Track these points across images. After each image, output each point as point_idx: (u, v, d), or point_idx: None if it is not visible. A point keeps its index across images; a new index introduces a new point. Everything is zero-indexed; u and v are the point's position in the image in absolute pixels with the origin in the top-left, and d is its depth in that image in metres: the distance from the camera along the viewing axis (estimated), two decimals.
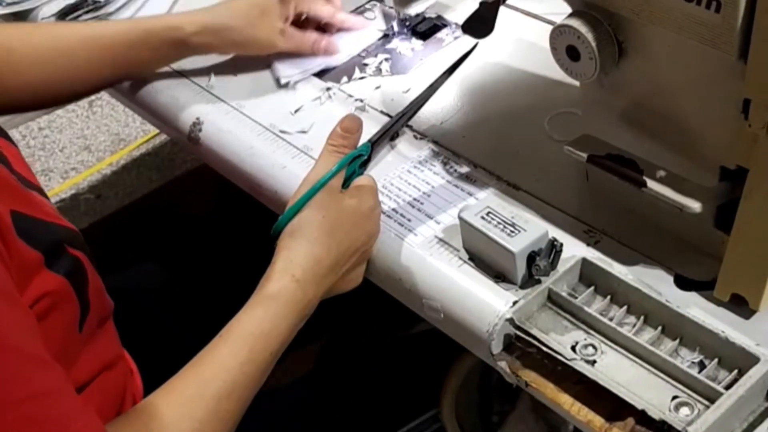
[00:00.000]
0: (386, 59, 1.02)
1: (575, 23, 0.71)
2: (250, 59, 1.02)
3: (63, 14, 1.14)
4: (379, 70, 1.01)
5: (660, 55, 0.70)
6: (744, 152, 0.67)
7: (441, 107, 0.95)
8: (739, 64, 0.63)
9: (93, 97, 2.39)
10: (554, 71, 0.76)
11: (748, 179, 0.66)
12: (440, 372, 0.96)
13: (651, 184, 0.72)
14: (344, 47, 1.03)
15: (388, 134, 0.86)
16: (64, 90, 0.97)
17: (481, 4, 0.86)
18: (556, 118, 0.90)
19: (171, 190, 2.20)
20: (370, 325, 1.00)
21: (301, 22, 1.01)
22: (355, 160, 0.81)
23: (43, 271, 0.66)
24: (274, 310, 0.73)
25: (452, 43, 1.03)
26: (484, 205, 0.77)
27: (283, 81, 0.99)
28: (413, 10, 1.00)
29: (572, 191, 0.83)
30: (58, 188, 2.32)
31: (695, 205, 0.70)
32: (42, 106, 0.99)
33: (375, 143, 0.84)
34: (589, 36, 0.71)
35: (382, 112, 0.95)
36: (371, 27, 1.06)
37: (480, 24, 0.87)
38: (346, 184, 0.81)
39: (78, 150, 2.44)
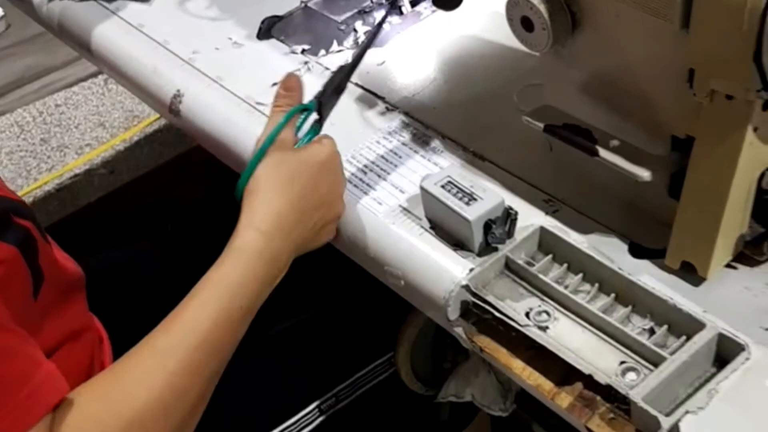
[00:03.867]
0: (365, 33, 1.03)
1: None
2: (232, 34, 1.04)
3: None
4: (356, 43, 1.02)
5: (611, 26, 0.70)
6: (691, 121, 0.67)
7: (414, 80, 0.96)
8: (682, 33, 0.64)
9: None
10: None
11: (694, 147, 0.67)
12: (398, 317, 0.98)
13: (603, 153, 0.73)
14: None
15: (330, 87, 0.86)
16: None
17: None
18: (526, 90, 0.91)
19: (181, 165, 2.24)
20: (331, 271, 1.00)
21: None
22: (303, 115, 0.82)
23: None
24: (241, 262, 0.74)
25: (430, 16, 1.03)
26: (445, 174, 0.79)
27: None
28: None
29: (536, 162, 0.84)
30: (72, 164, 2.36)
31: (645, 174, 0.71)
32: None
33: (321, 98, 0.85)
34: (542, 7, 0.71)
35: (357, 84, 0.96)
36: None
37: None
38: (306, 141, 0.81)
39: (93, 126, 2.48)
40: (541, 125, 0.77)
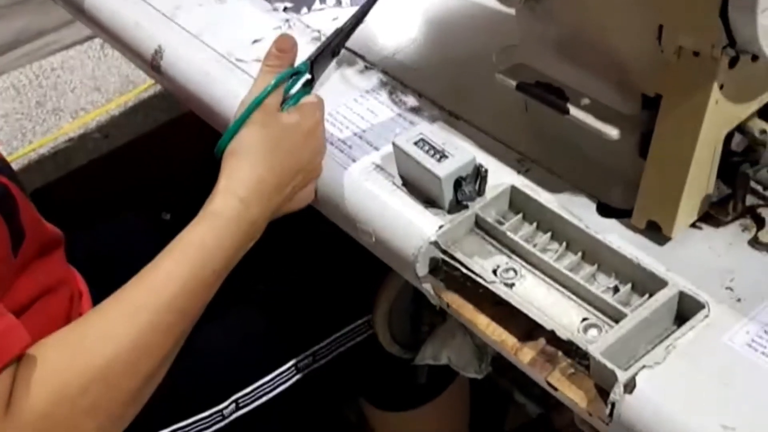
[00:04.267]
0: None
1: None
2: None
3: None
4: (339, 2, 1.02)
5: None
6: (661, 80, 0.67)
7: (395, 39, 0.96)
8: None
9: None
10: None
11: (662, 105, 0.67)
12: (376, 279, 0.98)
13: (574, 111, 0.73)
14: None
15: (327, 51, 0.86)
16: None
17: None
18: (505, 50, 0.90)
19: (175, 129, 2.24)
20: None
21: None
22: (294, 78, 0.82)
23: None
24: (217, 226, 0.74)
25: None
26: (418, 131, 0.79)
27: None
28: None
29: (511, 122, 0.84)
30: (68, 127, 2.36)
31: (613, 132, 0.71)
32: None
33: (314, 61, 0.85)
34: None
35: None
36: None
37: None
38: (293, 104, 0.82)
39: (88, 90, 2.47)
40: (514, 83, 0.77)
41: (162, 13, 1.03)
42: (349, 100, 0.89)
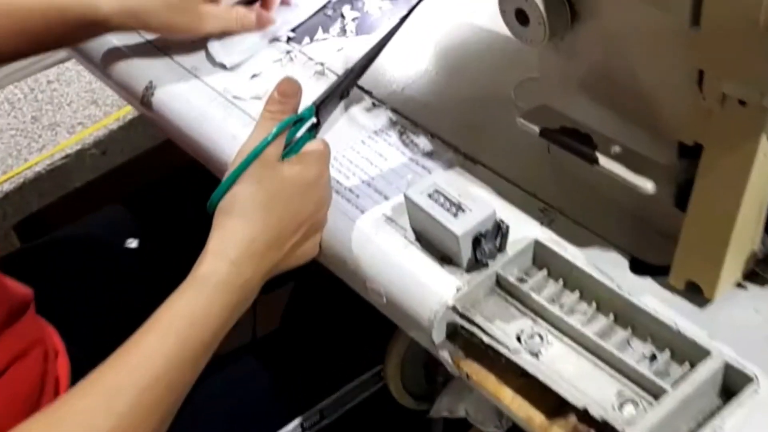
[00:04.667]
0: (354, 19, 0.96)
1: None
2: None
3: None
4: (343, 31, 0.95)
5: (613, 19, 0.64)
6: (701, 128, 0.61)
7: (403, 72, 0.89)
8: (691, 30, 0.57)
9: None
10: None
11: (703, 156, 0.61)
12: (387, 328, 0.91)
13: (603, 160, 0.67)
14: (286, 14, 0.96)
15: (335, 95, 0.80)
16: None
17: None
18: (525, 85, 0.84)
19: (174, 147, 2.18)
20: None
21: None
22: (297, 125, 0.76)
23: None
24: (206, 294, 0.67)
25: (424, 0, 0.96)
26: (432, 182, 0.72)
27: (227, 65, 0.93)
28: None
29: (533, 166, 0.77)
30: (64, 143, 2.30)
31: (648, 185, 0.65)
32: None
33: (320, 105, 0.79)
34: None
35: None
36: None
37: None
38: (296, 150, 0.76)
39: (85, 104, 2.41)
40: (537, 129, 0.70)
41: (154, 45, 0.97)
42: (356, 143, 0.82)
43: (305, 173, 0.73)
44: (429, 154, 0.80)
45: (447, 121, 0.83)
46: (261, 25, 0.93)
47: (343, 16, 0.97)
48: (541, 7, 0.64)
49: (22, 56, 0.94)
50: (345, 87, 0.79)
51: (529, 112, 0.72)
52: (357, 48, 0.92)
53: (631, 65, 0.65)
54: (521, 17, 0.66)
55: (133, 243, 1.08)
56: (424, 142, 0.81)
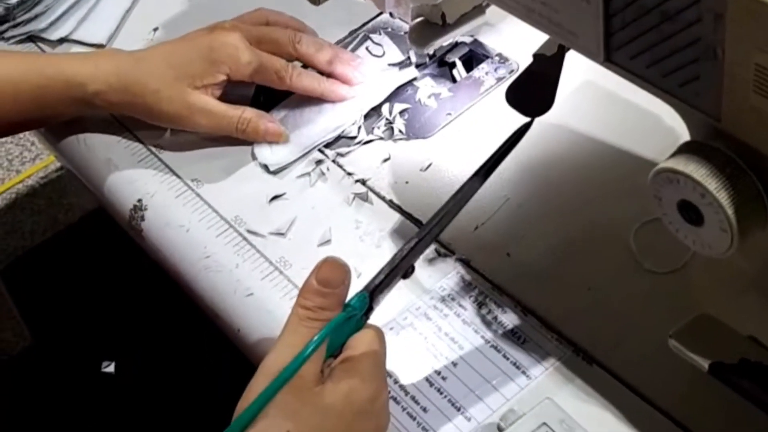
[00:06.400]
0: (401, 112, 0.72)
1: (697, 171, 0.41)
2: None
3: None
4: (390, 130, 0.72)
5: None
6: None
7: (474, 202, 0.64)
8: None
9: None
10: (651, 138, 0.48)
11: None
12: None
13: None
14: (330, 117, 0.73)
15: (395, 274, 0.57)
16: None
17: (534, 58, 0.57)
18: (649, 227, 0.61)
19: None
20: None
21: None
22: (343, 326, 0.53)
23: None
24: None
25: (496, 86, 0.73)
26: (536, 415, 0.50)
27: (271, 168, 0.70)
28: (437, 47, 0.69)
29: (676, 372, 0.54)
30: None
31: None
32: None
33: (374, 291, 0.55)
34: (723, 196, 0.41)
35: (391, 203, 0.67)
36: (378, 74, 0.75)
37: (532, 92, 0.59)
38: (337, 344, 0.53)
39: None
40: (705, 363, 0.47)
41: (145, 145, 0.74)
42: (416, 318, 0.59)
43: (355, 396, 0.50)
44: (521, 342, 0.57)
45: (539, 282, 0.60)
46: (337, 99, 0.73)
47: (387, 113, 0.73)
48: (730, 211, 0.41)
49: (20, 130, 0.82)
50: (410, 261, 0.56)
51: (684, 329, 0.48)
52: (408, 156, 0.69)
53: None
54: (690, 214, 0.43)
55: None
56: (512, 319, 0.58)
